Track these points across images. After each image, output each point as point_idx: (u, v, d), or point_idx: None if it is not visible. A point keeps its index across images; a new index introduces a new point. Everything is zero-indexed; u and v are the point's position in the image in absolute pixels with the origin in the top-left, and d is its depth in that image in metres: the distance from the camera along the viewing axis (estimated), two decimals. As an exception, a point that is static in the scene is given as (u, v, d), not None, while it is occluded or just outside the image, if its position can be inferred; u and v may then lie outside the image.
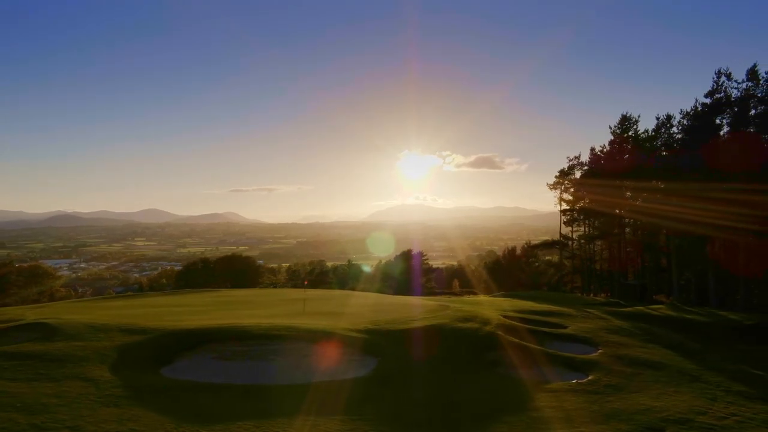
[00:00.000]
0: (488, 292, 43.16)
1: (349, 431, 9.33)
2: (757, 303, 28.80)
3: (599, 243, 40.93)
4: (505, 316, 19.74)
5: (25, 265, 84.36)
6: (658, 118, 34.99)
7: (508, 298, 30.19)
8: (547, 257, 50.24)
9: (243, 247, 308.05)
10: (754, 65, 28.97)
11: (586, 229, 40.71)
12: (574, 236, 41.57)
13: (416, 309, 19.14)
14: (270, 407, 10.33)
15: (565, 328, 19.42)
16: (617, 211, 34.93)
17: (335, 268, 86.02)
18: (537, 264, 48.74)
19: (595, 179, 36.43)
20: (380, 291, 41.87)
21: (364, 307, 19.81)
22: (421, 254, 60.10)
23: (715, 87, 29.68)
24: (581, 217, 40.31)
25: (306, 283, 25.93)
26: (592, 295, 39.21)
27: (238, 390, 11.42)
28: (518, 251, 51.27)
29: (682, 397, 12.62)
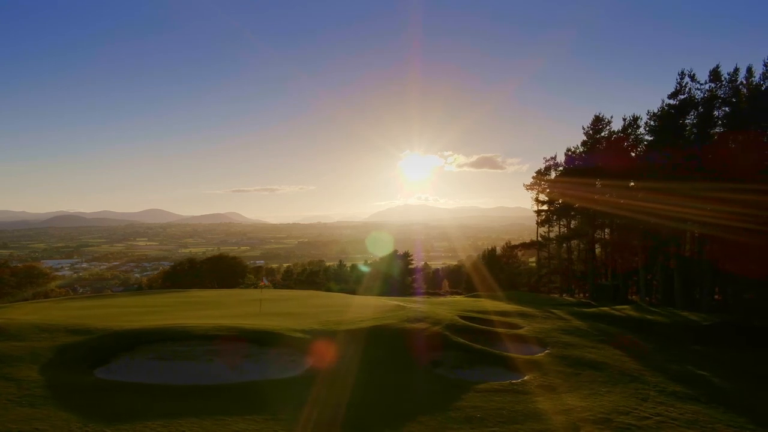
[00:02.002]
0: (469, 291, 43.27)
1: (256, 431, 9.43)
2: (720, 303, 28.82)
3: (575, 243, 41.10)
4: (462, 317, 19.80)
5: (20, 265, 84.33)
6: (624, 119, 35.20)
7: (481, 299, 30.27)
8: (532, 259, 50.30)
9: (244, 248, 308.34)
10: (717, 66, 29.06)
11: (560, 229, 40.85)
12: (550, 236, 41.69)
13: (371, 310, 19.23)
14: (190, 407, 10.42)
15: (521, 328, 19.50)
16: (590, 207, 35.08)
17: (327, 269, 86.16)
18: (517, 265, 48.91)
19: (569, 177, 36.68)
20: (353, 291, 41.99)
21: (320, 308, 19.90)
22: (406, 255, 60.18)
23: (678, 88, 29.79)
24: (554, 218, 40.45)
25: (263, 284, 26.01)
26: (567, 295, 39.33)
27: (167, 390, 11.51)
28: (498, 251, 51.47)
29: (612, 398, 12.71)
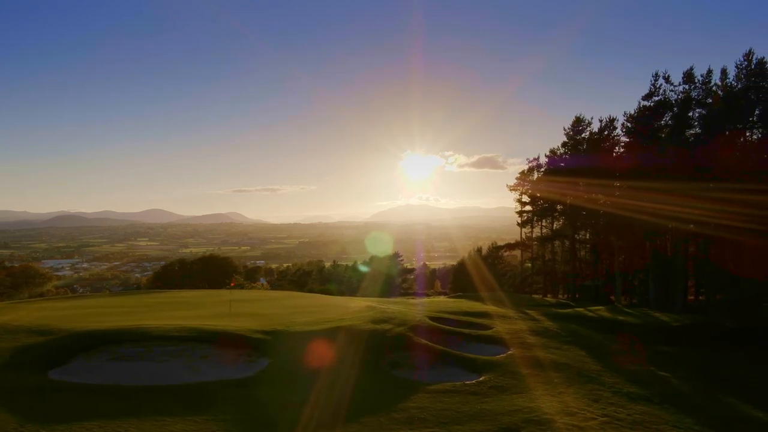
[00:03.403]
0: (455, 292, 43.40)
1: (193, 431, 9.53)
2: (702, 304, 28.89)
3: (558, 243, 41.20)
4: (432, 318, 19.87)
5: (16, 266, 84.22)
6: (601, 121, 35.42)
7: (460, 299, 30.36)
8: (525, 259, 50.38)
9: (245, 248, 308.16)
10: (691, 68, 29.12)
11: (542, 230, 40.99)
12: (532, 237, 41.81)
13: (341, 311, 19.32)
14: (135, 407, 10.52)
15: (490, 329, 19.57)
16: (572, 204, 35.25)
17: (321, 269, 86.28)
18: (503, 265, 49.04)
19: (551, 177, 36.87)
20: (338, 292, 42.07)
21: (291, 309, 20.00)
22: (396, 255, 60.32)
23: (652, 90, 29.85)
24: (535, 219, 40.57)
25: (232, 285, 26.05)
26: (551, 296, 39.45)
27: (117, 390, 11.60)
28: (483, 252, 51.63)
29: (564, 398, 12.80)
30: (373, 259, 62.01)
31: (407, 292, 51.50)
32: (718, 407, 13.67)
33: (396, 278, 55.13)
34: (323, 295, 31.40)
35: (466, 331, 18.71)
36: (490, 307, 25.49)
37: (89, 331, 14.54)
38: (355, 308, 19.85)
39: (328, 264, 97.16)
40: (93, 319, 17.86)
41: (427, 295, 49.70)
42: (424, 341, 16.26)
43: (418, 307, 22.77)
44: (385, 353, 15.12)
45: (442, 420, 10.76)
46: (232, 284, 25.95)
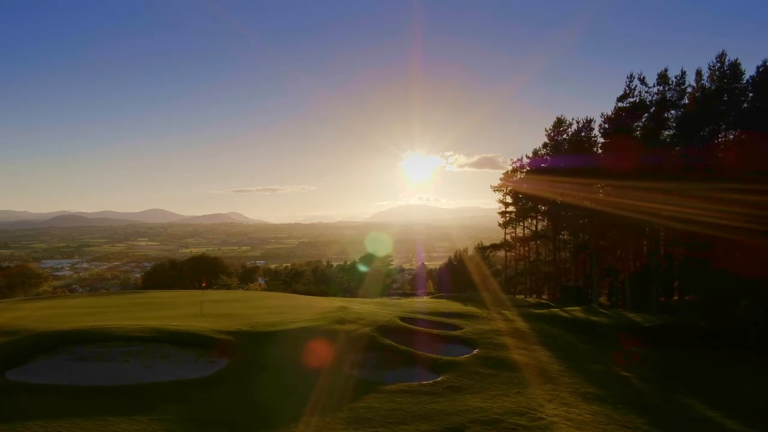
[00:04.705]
0: (440, 292, 43.50)
1: (136, 431, 9.62)
2: (682, 304, 28.95)
3: (542, 245, 41.34)
4: (403, 318, 19.98)
5: (12, 266, 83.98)
6: (578, 122, 35.56)
7: (441, 300, 30.46)
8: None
9: (245, 248, 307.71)
10: (665, 69, 29.28)
11: (524, 231, 41.13)
12: (515, 237, 41.95)
13: (313, 311, 19.41)
14: (83, 407, 10.58)
15: (460, 329, 19.67)
16: (553, 201, 35.46)
17: (315, 269, 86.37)
18: (488, 266, 49.04)
19: (533, 176, 37.08)
20: (332, 293, 42.18)
21: (263, 309, 20.09)
22: (387, 257, 60.37)
23: (627, 91, 29.99)
24: (518, 220, 40.68)
25: (204, 285, 26.17)
26: (535, 296, 39.57)
27: (72, 391, 11.66)
28: (470, 252, 51.73)
29: (518, 399, 12.89)
30: (362, 259, 62.06)
31: (396, 292, 51.58)
32: (674, 408, 13.76)
33: (386, 278, 55.23)
34: (300, 296, 31.52)
35: (435, 331, 18.81)
36: (467, 308, 25.59)
37: (53, 331, 14.61)
38: (326, 309, 19.95)
39: (324, 264, 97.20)
40: (63, 320, 17.91)
41: (417, 296, 49.82)
42: (388, 342, 16.36)
43: (393, 308, 22.87)
44: (347, 353, 15.20)
45: (389, 420, 10.85)
46: (203, 285, 26.00)
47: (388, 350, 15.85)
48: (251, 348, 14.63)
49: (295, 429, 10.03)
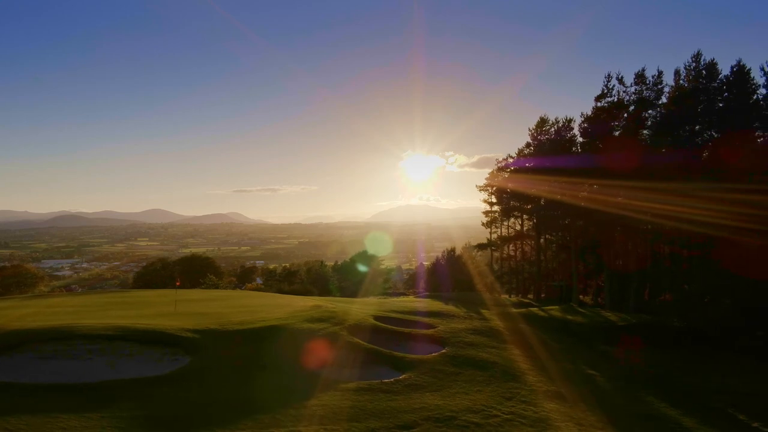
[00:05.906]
0: (427, 291, 43.53)
1: (87, 428, 9.69)
2: (646, 304, 29.06)
3: (527, 244, 41.50)
4: (377, 317, 20.06)
5: (8, 266, 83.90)
6: (558, 121, 35.68)
7: (422, 299, 30.55)
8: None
9: (245, 248, 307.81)
10: (643, 69, 29.38)
11: (508, 230, 41.25)
12: (500, 236, 42.12)
13: (286, 310, 19.47)
14: (35, 404, 10.64)
15: (434, 328, 19.77)
16: (538, 197, 35.64)
17: (309, 269, 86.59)
18: (477, 265, 49.17)
19: (517, 175, 37.27)
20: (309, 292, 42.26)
21: (236, 308, 20.15)
22: (374, 256, 60.48)
23: (605, 91, 30.09)
24: (500, 218, 40.84)
25: (178, 284, 26.27)
26: (521, 296, 39.68)
27: (29, 388, 11.68)
28: (458, 252, 51.87)
29: (476, 396, 12.99)
30: (355, 258, 62.24)
31: (391, 292, 51.62)
32: (633, 406, 13.87)
33: (379, 278, 55.39)
34: (281, 295, 31.62)
35: (407, 330, 18.90)
36: (446, 307, 25.67)
37: (15, 330, 14.67)
38: (300, 307, 20.03)
39: (319, 264, 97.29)
40: (35, 318, 17.98)
41: (405, 295, 49.91)
42: (356, 340, 16.45)
43: (371, 307, 22.96)
44: (313, 352, 15.28)
45: (340, 417, 10.93)
46: (177, 284, 26.11)
47: (354, 348, 15.93)
48: (217, 346, 14.69)
49: (246, 425, 10.11)
